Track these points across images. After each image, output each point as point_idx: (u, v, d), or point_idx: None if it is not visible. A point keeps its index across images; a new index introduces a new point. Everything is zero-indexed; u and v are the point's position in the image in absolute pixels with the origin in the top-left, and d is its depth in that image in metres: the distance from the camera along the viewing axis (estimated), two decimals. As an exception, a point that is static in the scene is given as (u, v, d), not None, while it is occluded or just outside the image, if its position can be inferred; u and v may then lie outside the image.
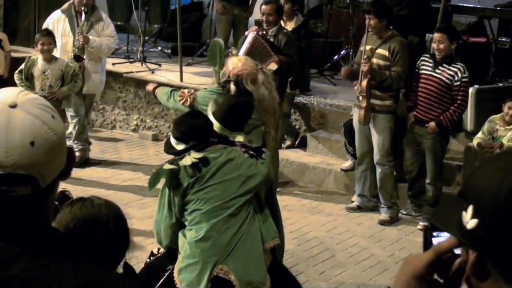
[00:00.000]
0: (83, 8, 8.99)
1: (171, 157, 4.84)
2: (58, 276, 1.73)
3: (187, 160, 4.58)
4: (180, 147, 4.73)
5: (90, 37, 8.97)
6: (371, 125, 7.84)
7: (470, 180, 1.56)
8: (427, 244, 1.66)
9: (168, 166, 4.60)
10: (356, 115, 7.98)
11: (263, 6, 8.53)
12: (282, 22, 8.81)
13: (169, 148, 4.83)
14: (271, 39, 8.24)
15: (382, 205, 8.04)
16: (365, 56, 7.65)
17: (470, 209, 1.53)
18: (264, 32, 8.29)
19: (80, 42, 8.89)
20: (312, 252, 7.08)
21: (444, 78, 7.49)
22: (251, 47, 7.85)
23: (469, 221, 1.52)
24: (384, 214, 8.00)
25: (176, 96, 6.25)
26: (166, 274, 4.64)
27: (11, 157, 1.70)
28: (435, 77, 7.55)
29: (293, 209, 8.14)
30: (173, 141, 4.79)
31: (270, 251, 4.86)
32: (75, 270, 1.75)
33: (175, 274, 4.57)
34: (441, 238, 1.65)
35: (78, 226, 2.82)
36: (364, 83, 7.62)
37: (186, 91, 6.16)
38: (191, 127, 4.77)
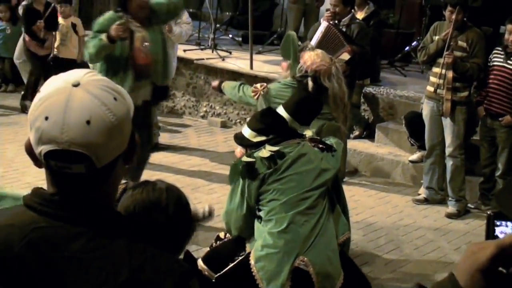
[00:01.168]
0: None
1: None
2: (113, 258, 1.75)
3: (264, 153, 4.61)
4: (258, 139, 4.75)
5: (173, 25, 9.05)
6: (443, 117, 7.77)
7: None
8: (490, 232, 1.64)
9: (245, 159, 4.64)
10: (427, 106, 7.91)
11: None
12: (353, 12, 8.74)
13: (241, 140, 4.85)
14: (344, 29, 8.20)
15: (450, 198, 7.96)
16: (449, 45, 7.56)
17: None
18: (337, 22, 8.25)
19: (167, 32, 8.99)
20: (378, 243, 7.06)
21: None
22: (323, 36, 7.82)
23: None
24: (451, 207, 7.93)
25: (246, 90, 6.21)
26: (239, 258, 4.67)
27: (66, 133, 1.72)
28: (508, 68, 7.44)
29: (360, 199, 8.11)
30: (248, 132, 4.80)
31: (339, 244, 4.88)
32: (131, 252, 1.77)
33: (252, 261, 4.58)
34: (503, 227, 1.63)
35: (138, 209, 2.80)
36: (450, 74, 7.55)
37: (259, 85, 6.08)
38: (275, 121, 4.83)
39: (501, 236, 1.62)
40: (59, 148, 1.73)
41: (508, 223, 1.62)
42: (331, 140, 5.02)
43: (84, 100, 1.75)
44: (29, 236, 1.75)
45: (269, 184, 4.61)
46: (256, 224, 4.67)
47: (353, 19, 8.43)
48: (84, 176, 1.77)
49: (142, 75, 6.71)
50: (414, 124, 8.23)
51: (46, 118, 1.73)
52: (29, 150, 1.81)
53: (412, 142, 8.60)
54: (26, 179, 7.79)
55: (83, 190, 1.80)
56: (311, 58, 5.87)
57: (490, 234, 1.63)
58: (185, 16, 9.31)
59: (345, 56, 7.66)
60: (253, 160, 4.60)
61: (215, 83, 6.75)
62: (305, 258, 4.55)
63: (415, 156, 8.78)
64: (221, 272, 4.68)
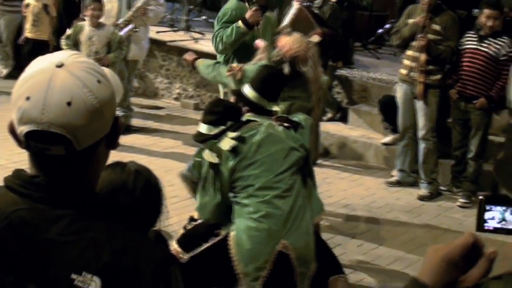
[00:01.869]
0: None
1: None
2: (94, 241, 1.75)
3: (225, 144, 4.58)
4: (216, 130, 4.77)
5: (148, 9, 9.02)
6: (417, 100, 7.80)
7: None
8: (481, 216, 1.65)
9: (209, 157, 4.59)
10: (400, 89, 7.94)
11: None
12: None
13: (201, 137, 4.86)
14: (316, 11, 8.19)
15: (422, 181, 8.00)
16: (423, 29, 7.56)
17: None
18: (309, 3, 8.24)
19: (139, 15, 8.94)
20: (350, 225, 7.09)
21: (490, 52, 7.43)
22: (295, 18, 7.82)
23: None
24: (423, 190, 7.98)
25: (221, 69, 6.20)
26: (215, 240, 4.67)
27: (46, 114, 1.71)
28: (481, 50, 7.48)
29: (332, 182, 8.14)
30: (205, 127, 4.82)
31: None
32: (112, 236, 1.77)
33: (231, 243, 4.56)
34: (493, 212, 1.64)
35: (106, 190, 2.76)
36: (423, 57, 7.57)
37: (235, 65, 6.07)
38: (227, 109, 4.83)
39: (490, 221, 1.64)
40: (39, 128, 1.72)
41: (498, 207, 1.63)
42: (299, 117, 5.01)
43: (66, 81, 1.74)
44: (9, 218, 1.75)
45: (240, 171, 4.59)
46: (234, 207, 4.65)
47: (325, 1, 8.43)
48: (64, 158, 1.76)
49: None
50: (389, 108, 8.26)
51: (28, 98, 1.73)
52: (12, 130, 1.80)
53: (385, 126, 8.64)
54: (-2, 161, 7.73)
55: (63, 172, 1.79)
56: (288, 43, 5.83)
57: (481, 217, 1.64)
58: None
59: (315, 39, 7.65)
60: (217, 161, 4.56)
61: (189, 56, 6.72)
62: (286, 242, 4.55)
63: (388, 138, 8.81)
64: (195, 252, 4.67)
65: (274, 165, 4.64)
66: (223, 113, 4.80)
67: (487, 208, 1.65)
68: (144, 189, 2.90)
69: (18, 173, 1.83)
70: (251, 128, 4.70)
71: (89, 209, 1.80)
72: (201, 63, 6.49)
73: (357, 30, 10.57)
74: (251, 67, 6.03)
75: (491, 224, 1.65)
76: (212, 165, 4.59)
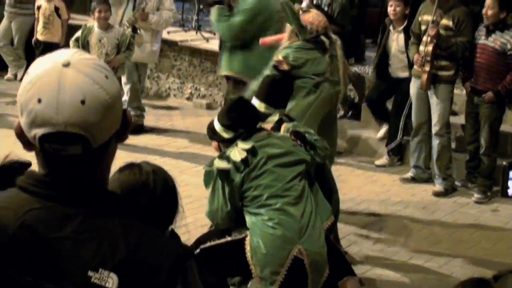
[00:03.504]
0: None
1: None
2: (109, 238, 1.75)
3: (236, 155, 4.60)
4: (227, 135, 4.77)
5: (150, 14, 8.97)
6: (431, 95, 7.75)
7: None
8: (504, 183, 1.62)
9: (219, 163, 4.62)
10: (413, 85, 7.90)
11: None
12: None
13: (213, 134, 4.88)
14: (325, 8, 8.17)
15: (437, 177, 7.95)
16: (434, 20, 7.52)
17: None
18: (319, 1, 8.22)
19: (139, 19, 8.90)
20: (366, 222, 7.06)
21: (497, 47, 7.39)
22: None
23: None
24: (438, 186, 7.93)
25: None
26: (232, 237, 4.71)
27: (61, 115, 1.70)
28: (488, 45, 7.44)
29: (347, 179, 8.10)
30: (218, 127, 4.82)
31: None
32: (127, 232, 1.77)
33: (247, 247, 4.60)
34: None
35: (126, 192, 2.79)
36: (430, 47, 7.52)
37: (280, 56, 6.16)
38: (242, 115, 4.82)
39: None
40: (55, 130, 1.71)
41: None
42: (312, 137, 5.04)
43: (77, 79, 1.73)
44: (23, 218, 1.73)
45: (249, 182, 4.62)
46: (247, 217, 4.68)
47: None
48: (80, 156, 1.75)
49: None
50: (375, 104, 8.39)
51: (39, 100, 1.70)
52: (20, 134, 1.78)
53: (378, 121, 8.83)
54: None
55: (77, 170, 1.78)
56: (314, 17, 6.11)
57: (504, 185, 1.61)
58: (169, 2, 9.20)
59: None
60: (228, 167, 4.58)
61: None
62: (302, 248, 4.57)
63: (382, 132, 8.86)
64: (205, 245, 4.68)
65: (283, 174, 4.68)
66: (236, 120, 4.80)
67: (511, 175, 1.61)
68: (164, 188, 2.94)
69: (30, 173, 1.82)
70: (261, 139, 4.73)
71: (103, 206, 1.79)
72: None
73: (368, 26, 10.51)
74: (288, 52, 6.17)
75: None
76: (222, 173, 4.61)
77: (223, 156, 4.66)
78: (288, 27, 6.40)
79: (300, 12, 6.29)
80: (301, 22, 6.17)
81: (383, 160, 8.68)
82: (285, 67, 6.04)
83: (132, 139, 8.58)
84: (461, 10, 7.68)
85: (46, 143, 1.73)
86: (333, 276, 4.80)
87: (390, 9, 8.34)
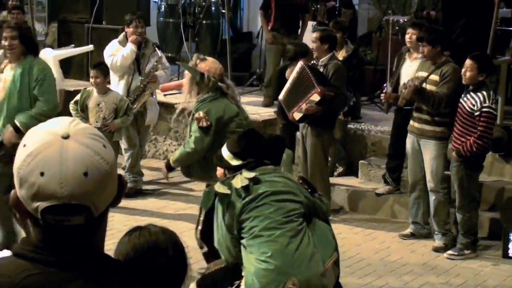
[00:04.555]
0: (140, 41, 9.12)
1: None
2: None
3: (238, 182, 4.62)
4: (235, 162, 4.79)
5: (157, 74, 9.12)
6: (424, 152, 7.81)
7: None
8: (505, 246, 1.63)
9: (219, 188, 4.65)
10: (408, 141, 7.98)
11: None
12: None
13: (220, 161, 4.90)
14: (321, 69, 8.27)
15: (436, 232, 7.96)
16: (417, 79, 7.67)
17: None
18: (314, 62, 8.33)
19: (151, 83, 9.06)
20: (366, 280, 7.05)
21: (467, 107, 7.36)
22: (297, 76, 7.98)
23: None
24: (438, 241, 7.93)
25: (186, 144, 6.45)
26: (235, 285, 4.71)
27: (65, 188, 1.72)
28: (462, 104, 7.41)
29: (346, 237, 8.11)
30: (227, 154, 4.83)
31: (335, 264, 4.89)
32: None
33: (242, 285, 4.62)
34: None
35: (138, 254, 2.84)
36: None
37: (200, 113, 6.35)
38: (252, 144, 4.85)
39: None
40: (59, 202, 1.73)
41: None
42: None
43: (78, 151, 1.76)
44: (21, 283, 1.74)
45: (249, 212, 4.63)
46: (243, 252, 4.68)
47: (331, 59, 8.48)
48: (82, 226, 1.78)
49: None
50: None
51: (42, 174, 1.73)
52: (17, 205, 1.79)
53: (387, 177, 8.88)
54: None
55: (78, 238, 1.80)
56: (211, 65, 6.38)
57: (505, 247, 1.60)
58: (164, 60, 9.38)
59: (315, 98, 7.80)
60: (227, 192, 4.61)
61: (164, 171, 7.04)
62: (296, 280, 4.55)
63: (383, 188, 8.93)
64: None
65: (281, 207, 4.68)
66: (245, 148, 4.83)
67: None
68: (175, 248, 2.97)
69: (26, 240, 1.84)
70: (267, 172, 4.76)
71: (101, 271, 1.81)
72: (175, 157, 6.76)
73: (364, 84, 10.64)
74: (202, 107, 6.34)
75: None
76: (222, 198, 4.63)
77: (224, 182, 4.69)
78: (187, 74, 6.57)
79: (198, 60, 6.46)
80: (199, 70, 6.37)
81: (384, 188, 8.86)
82: (204, 124, 6.21)
83: (130, 202, 8.64)
84: (450, 66, 7.75)
85: (49, 215, 1.75)
86: None
87: (406, 37, 8.49)
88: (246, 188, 4.62)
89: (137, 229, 2.98)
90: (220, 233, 4.73)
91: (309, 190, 4.93)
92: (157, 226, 3.03)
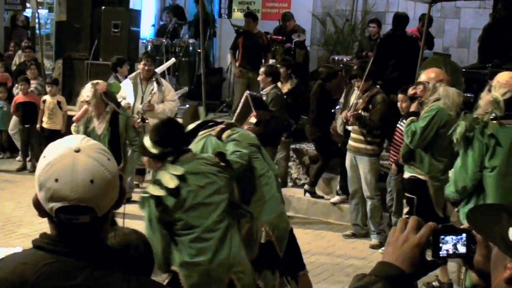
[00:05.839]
0: (154, 78, 9.04)
1: None
2: (114, 285, 1.83)
3: (169, 182, 4.16)
4: (155, 150, 4.34)
5: (155, 105, 8.95)
6: (359, 166, 7.92)
7: None
8: (436, 247, 1.68)
9: (153, 190, 4.17)
10: (348, 157, 8.07)
11: None
12: (279, 84, 8.89)
13: (143, 150, 4.44)
14: (264, 97, 8.41)
15: (372, 232, 8.10)
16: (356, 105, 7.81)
17: None
18: (259, 92, 8.51)
19: (147, 110, 8.88)
20: (315, 272, 7.12)
21: (399, 131, 7.39)
22: (243, 103, 7.98)
23: None
24: (374, 240, 8.06)
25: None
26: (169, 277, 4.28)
27: (74, 192, 1.78)
28: (399, 128, 7.30)
29: (299, 237, 8.16)
30: (148, 143, 4.39)
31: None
32: (127, 280, 1.86)
33: (182, 279, 4.20)
34: (447, 245, 1.68)
35: (120, 248, 2.81)
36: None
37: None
38: (171, 133, 4.44)
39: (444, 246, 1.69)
40: (70, 204, 1.80)
41: (449, 237, 1.68)
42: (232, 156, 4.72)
43: (87, 163, 1.82)
44: (41, 270, 1.80)
45: (183, 213, 4.20)
46: (176, 253, 4.25)
47: (273, 89, 8.61)
48: (88, 223, 1.84)
49: None
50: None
51: (56, 180, 1.79)
52: (37, 205, 1.86)
53: (339, 191, 8.93)
54: (22, 230, 7.75)
55: (85, 233, 1.86)
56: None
57: (436, 248, 1.70)
58: (171, 94, 9.23)
59: (252, 120, 7.82)
60: (162, 194, 4.13)
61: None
62: (233, 276, 4.26)
63: (336, 198, 9.02)
64: None
65: (206, 209, 4.27)
66: (164, 137, 4.38)
67: (441, 238, 1.68)
68: (145, 246, 3.03)
69: (44, 234, 1.89)
70: (188, 160, 4.32)
71: (106, 259, 1.87)
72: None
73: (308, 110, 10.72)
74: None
75: (444, 250, 1.69)
76: (156, 198, 4.16)
77: (155, 182, 4.20)
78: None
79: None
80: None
81: (337, 198, 8.95)
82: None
83: (122, 209, 8.62)
84: (380, 96, 7.86)
85: (61, 214, 1.83)
86: (291, 266, 4.63)
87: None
88: (175, 191, 4.16)
89: (112, 230, 2.97)
90: (156, 238, 4.18)
91: (224, 164, 4.50)
92: (129, 228, 3.07)
